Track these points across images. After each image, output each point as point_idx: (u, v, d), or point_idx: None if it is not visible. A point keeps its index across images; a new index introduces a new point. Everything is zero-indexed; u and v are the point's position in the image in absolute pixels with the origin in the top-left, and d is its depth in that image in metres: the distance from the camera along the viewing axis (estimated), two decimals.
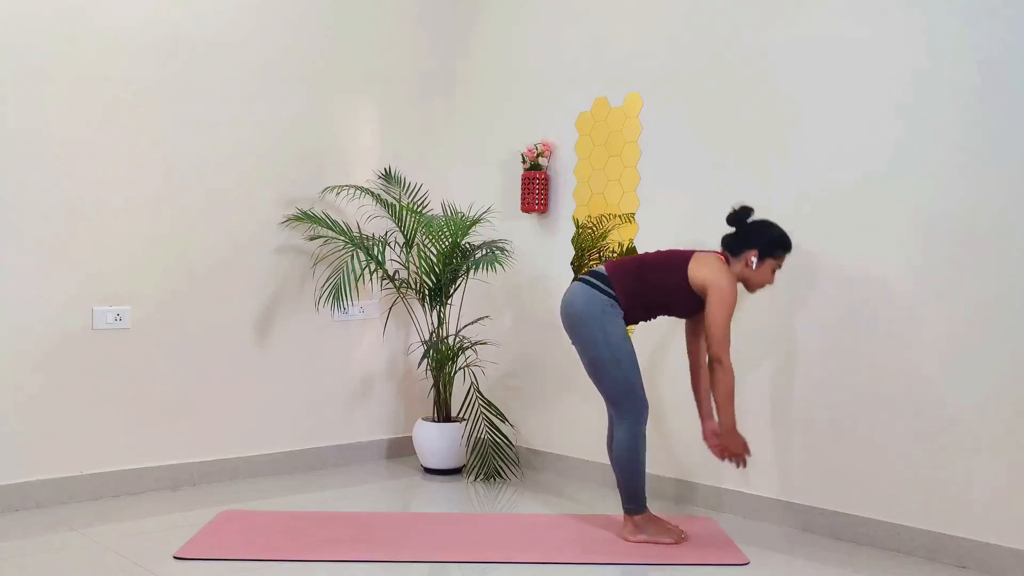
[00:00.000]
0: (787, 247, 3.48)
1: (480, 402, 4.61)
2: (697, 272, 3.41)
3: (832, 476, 3.69)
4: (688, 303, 3.47)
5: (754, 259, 3.43)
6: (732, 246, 3.50)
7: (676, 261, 3.48)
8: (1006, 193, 3.27)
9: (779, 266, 3.48)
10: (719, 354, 3.33)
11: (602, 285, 3.45)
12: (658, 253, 3.58)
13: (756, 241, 3.45)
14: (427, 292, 4.68)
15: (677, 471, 4.16)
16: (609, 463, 3.60)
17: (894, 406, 3.53)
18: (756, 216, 3.51)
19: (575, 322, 3.46)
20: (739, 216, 3.51)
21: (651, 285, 3.46)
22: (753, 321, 3.92)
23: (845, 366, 3.66)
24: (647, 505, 3.53)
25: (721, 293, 3.35)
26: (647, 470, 3.52)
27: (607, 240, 4.48)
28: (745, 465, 3.49)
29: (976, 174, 3.33)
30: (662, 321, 3.77)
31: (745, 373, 3.94)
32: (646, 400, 3.49)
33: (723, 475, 4.02)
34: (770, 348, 3.88)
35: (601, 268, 3.53)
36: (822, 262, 3.72)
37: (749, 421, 3.93)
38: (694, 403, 3.70)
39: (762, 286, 3.51)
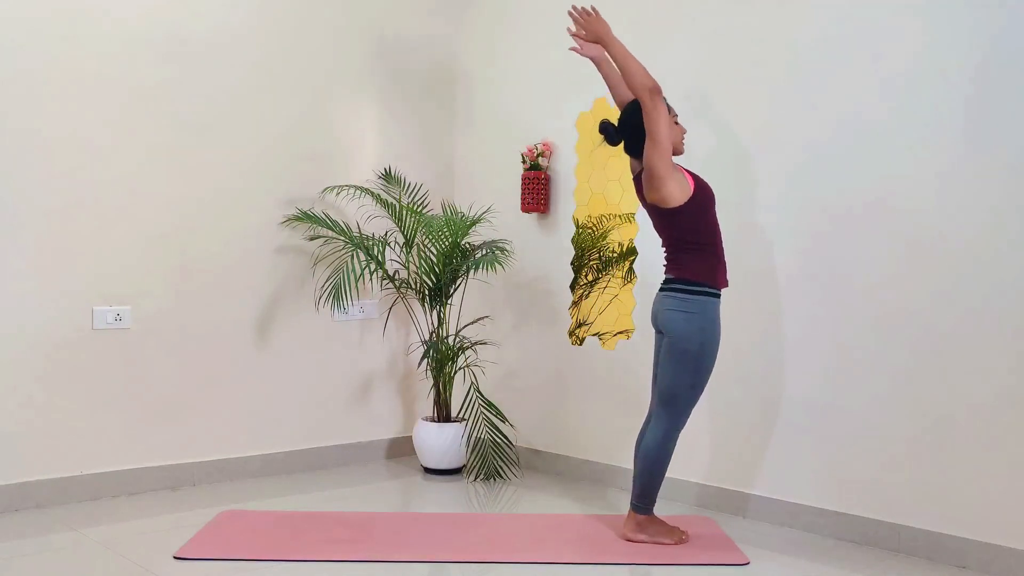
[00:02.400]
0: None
1: (480, 402, 4.61)
2: (651, 193, 3.38)
3: (832, 476, 3.69)
4: (687, 212, 3.39)
5: None
6: (638, 148, 3.46)
7: (650, 212, 3.50)
8: (1005, 193, 3.27)
9: (675, 112, 3.49)
10: (645, 82, 3.28)
11: (680, 284, 3.42)
12: (655, 224, 3.56)
13: (641, 124, 3.39)
14: (427, 292, 4.68)
15: (679, 472, 4.15)
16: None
17: (894, 406, 3.52)
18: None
19: (667, 325, 3.44)
20: (611, 131, 3.51)
21: (681, 240, 3.43)
22: (751, 321, 3.92)
23: (843, 366, 3.65)
24: (654, 508, 3.53)
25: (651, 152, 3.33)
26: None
27: (607, 240, 4.47)
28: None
29: (976, 175, 3.33)
30: None
31: (743, 373, 3.94)
32: (691, 412, 3.49)
33: (723, 476, 4.02)
34: (768, 349, 3.88)
35: (669, 274, 3.48)
36: (818, 262, 3.72)
37: (747, 422, 3.94)
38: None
39: (682, 140, 3.51)
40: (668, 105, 3.46)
